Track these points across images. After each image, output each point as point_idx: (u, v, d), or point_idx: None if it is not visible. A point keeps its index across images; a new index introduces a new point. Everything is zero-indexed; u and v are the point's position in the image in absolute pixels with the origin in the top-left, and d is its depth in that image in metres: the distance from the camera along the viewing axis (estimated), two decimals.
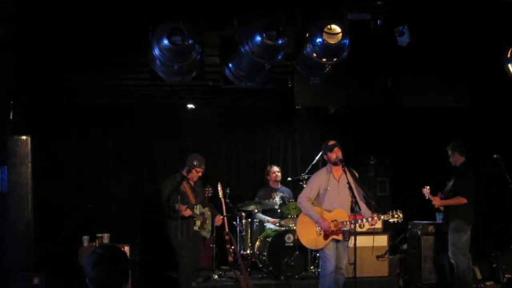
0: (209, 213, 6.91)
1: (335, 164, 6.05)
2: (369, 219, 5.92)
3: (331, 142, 6.09)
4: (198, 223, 6.67)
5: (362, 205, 5.97)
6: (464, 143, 7.11)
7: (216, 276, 7.54)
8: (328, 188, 6.03)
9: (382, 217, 6.03)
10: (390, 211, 6.04)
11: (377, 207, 6.01)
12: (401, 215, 6.01)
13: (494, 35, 6.02)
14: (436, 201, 6.88)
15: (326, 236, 5.95)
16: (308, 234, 6.06)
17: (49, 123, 7.97)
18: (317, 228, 5.99)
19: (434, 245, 7.53)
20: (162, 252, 7.92)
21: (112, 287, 2.72)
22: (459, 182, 6.88)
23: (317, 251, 6.61)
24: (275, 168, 8.41)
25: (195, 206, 6.67)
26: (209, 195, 7.10)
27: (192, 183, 6.77)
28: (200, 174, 6.73)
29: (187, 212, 6.47)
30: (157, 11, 5.29)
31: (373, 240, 7.55)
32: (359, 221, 5.88)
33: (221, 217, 7.25)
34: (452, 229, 6.88)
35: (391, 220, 6.09)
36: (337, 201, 6.02)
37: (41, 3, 5.32)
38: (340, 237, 5.94)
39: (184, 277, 6.69)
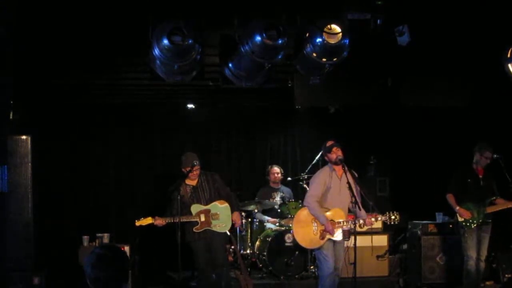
0: (221, 206, 6.47)
1: (336, 164, 6.02)
2: (366, 220, 5.88)
3: (329, 143, 6.00)
4: (198, 223, 6.37)
5: (360, 206, 5.94)
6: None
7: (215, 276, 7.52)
8: (331, 186, 5.98)
9: (379, 218, 5.98)
10: (388, 213, 5.97)
11: (375, 207, 5.96)
12: (398, 217, 5.94)
13: (494, 35, 6.02)
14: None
15: (322, 236, 5.93)
16: (304, 233, 6.00)
17: (49, 123, 7.97)
18: (314, 228, 5.97)
19: (434, 245, 7.52)
20: (162, 252, 7.94)
21: (112, 287, 2.72)
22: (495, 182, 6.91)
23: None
24: (276, 168, 8.39)
25: (192, 207, 6.39)
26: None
27: (193, 183, 6.49)
28: (197, 171, 6.44)
29: (158, 222, 6.26)
30: (157, 11, 5.30)
31: (372, 240, 7.55)
32: (356, 221, 5.84)
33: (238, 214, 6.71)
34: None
35: (388, 222, 6.06)
36: (337, 200, 5.98)
37: (41, 2, 5.33)
38: (334, 236, 5.92)
39: (199, 278, 6.66)
